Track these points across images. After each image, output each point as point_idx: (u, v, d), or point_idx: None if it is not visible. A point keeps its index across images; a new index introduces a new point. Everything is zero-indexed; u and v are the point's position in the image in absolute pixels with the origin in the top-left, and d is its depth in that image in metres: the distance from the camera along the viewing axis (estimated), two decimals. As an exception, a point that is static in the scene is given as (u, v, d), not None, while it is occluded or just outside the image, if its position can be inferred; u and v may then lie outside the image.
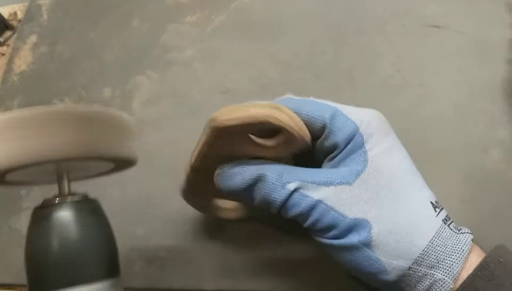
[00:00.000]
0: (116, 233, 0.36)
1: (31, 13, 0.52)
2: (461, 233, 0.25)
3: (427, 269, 0.24)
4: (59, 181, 0.23)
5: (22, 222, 0.39)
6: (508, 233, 0.31)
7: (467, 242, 0.24)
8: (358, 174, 0.24)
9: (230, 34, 0.45)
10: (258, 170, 0.25)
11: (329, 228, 0.24)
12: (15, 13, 0.54)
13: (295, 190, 0.24)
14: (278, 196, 0.24)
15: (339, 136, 0.25)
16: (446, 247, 0.24)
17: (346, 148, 0.25)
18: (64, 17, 0.51)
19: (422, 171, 0.34)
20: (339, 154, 0.25)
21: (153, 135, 0.41)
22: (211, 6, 0.47)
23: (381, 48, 0.41)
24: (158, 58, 0.45)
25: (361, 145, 0.25)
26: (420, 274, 0.24)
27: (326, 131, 0.25)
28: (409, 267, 0.24)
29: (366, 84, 0.39)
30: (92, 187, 0.39)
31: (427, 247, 0.24)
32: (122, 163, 0.24)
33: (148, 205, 0.37)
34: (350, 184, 0.24)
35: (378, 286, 0.25)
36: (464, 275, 0.23)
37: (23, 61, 0.49)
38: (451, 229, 0.24)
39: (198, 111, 0.41)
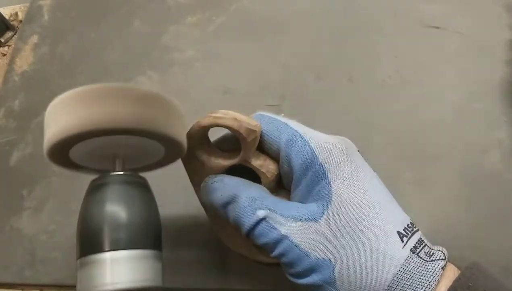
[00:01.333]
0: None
1: (32, 14, 0.53)
2: (431, 260, 0.24)
3: None
4: (115, 159, 0.25)
5: (23, 222, 0.39)
6: (507, 234, 0.31)
7: (436, 272, 0.23)
8: (325, 210, 0.24)
9: (230, 35, 0.45)
10: (234, 189, 0.25)
11: (293, 264, 0.24)
12: (16, 14, 0.54)
13: (264, 219, 0.24)
14: (247, 220, 0.25)
15: (294, 161, 0.25)
16: (413, 280, 0.23)
17: (306, 177, 0.25)
18: (65, 17, 0.51)
19: (422, 171, 0.35)
20: (300, 182, 0.25)
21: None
22: (212, 7, 0.48)
23: (381, 48, 0.41)
24: (159, 59, 0.45)
25: (323, 175, 0.24)
26: None
27: (281, 155, 0.26)
28: None
29: (365, 85, 0.39)
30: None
31: (392, 282, 0.23)
32: (173, 148, 0.25)
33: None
34: (317, 221, 0.24)
35: None
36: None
37: (24, 61, 0.49)
38: (420, 258, 0.23)
39: (198, 112, 0.41)
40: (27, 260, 0.37)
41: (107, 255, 0.22)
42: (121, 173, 0.25)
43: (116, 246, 0.22)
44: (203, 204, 0.29)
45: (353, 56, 0.41)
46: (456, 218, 0.33)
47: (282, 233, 0.24)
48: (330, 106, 0.39)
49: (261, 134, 0.26)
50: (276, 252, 0.24)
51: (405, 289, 0.23)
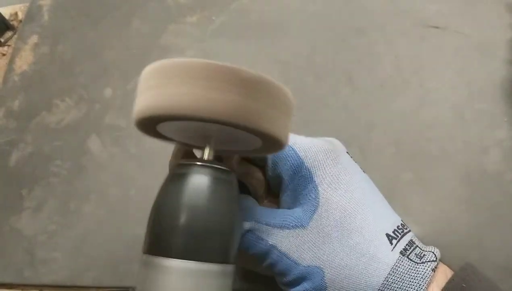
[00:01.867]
0: (115, 233, 0.37)
1: (32, 14, 0.53)
2: (422, 262, 0.23)
3: None
4: (207, 140, 0.22)
5: (23, 222, 0.39)
6: (507, 234, 0.31)
7: (426, 274, 0.23)
8: (311, 215, 0.24)
9: (230, 34, 0.45)
10: None
11: (283, 274, 0.24)
12: (16, 14, 0.54)
13: (250, 231, 0.24)
14: None
15: (281, 167, 0.25)
16: (403, 283, 0.23)
17: (293, 182, 0.25)
18: (65, 17, 0.51)
19: (421, 171, 0.35)
20: (287, 188, 0.25)
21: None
22: (211, 7, 0.47)
23: (381, 48, 0.41)
24: (158, 59, 0.45)
25: (310, 179, 0.24)
26: None
27: (268, 162, 0.25)
28: None
29: (365, 85, 0.39)
30: (93, 187, 0.39)
31: (383, 285, 0.23)
32: (271, 144, 0.21)
33: (148, 205, 0.37)
34: (304, 227, 0.24)
35: None
36: None
37: (24, 61, 0.49)
38: (411, 260, 0.23)
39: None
40: (27, 260, 0.37)
41: (181, 265, 0.19)
42: (213, 165, 0.21)
43: (193, 256, 0.19)
44: None
45: (353, 56, 0.41)
46: (456, 218, 0.32)
47: (270, 243, 0.24)
48: (330, 106, 0.39)
49: None
50: (265, 263, 0.24)
51: (402, 279, 0.23)
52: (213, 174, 0.20)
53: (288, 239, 0.24)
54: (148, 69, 0.20)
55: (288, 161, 0.25)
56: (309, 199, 0.24)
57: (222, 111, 0.18)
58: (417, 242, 0.25)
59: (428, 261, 0.24)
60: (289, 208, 0.25)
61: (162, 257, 0.19)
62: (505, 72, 0.37)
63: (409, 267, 0.23)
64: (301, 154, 0.25)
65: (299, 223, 0.24)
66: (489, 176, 0.33)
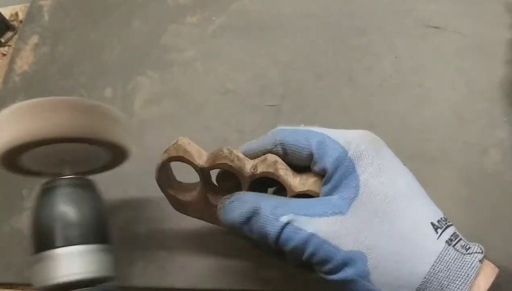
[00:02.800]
0: (117, 233, 0.37)
1: (32, 14, 0.53)
2: (468, 253, 0.23)
3: None
4: (61, 163, 0.28)
5: (24, 222, 0.39)
6: (507, 233, 0.31)
7: (474, 264, 0.22)
8: (350, 202, 0.24)
9: (230, 34, 0.45)
10: (254, 203, 0.25)
11: (325, 261, 0.24)
12: (16, 14, 0.54)
13: (288, 223, 0.24)
14: (272, 229, 0.24)
15: (326, 161, 0.25)
16: (450, 272, 0.22)
17: (337, 173, 0.25)
18: (65, 17, 0.51)
19: (421, 171, 0.35)
20: (330, 179, 0.25)
21: (154, 135, 0.41)
22: (211, 7, 0.48)
23: (380, 48, 0.41)
24: (158, 59, 0.45)
25: (352, 170, 0.24)
26: None
27: (314, 158, 0.25)
28: None
29: (365, 85, 0.39)
30: (93, 187, 0.39)
31: (429, 274, 0.22)
32: (117, 151, 0.29)
33: (148, 205, 0.37)
34: (344, 214, 0.23)
35: None
36: None
37: (24, 61, 0.49)
38: (457, 250, 0.23)
39: (198, 112, 0.41)
40: (27, 260, 0.37)
41: (60, 250, 0.25)
42: (69, 177, 0.27)
43: (67, 242, 0.25)
44: (222, 224, 0.28)
45: (353, 56, 0.41)
46: (455, 217, 0.32)
47: (309, 232, 0.23)
48: (330, 106, 0.39)
49: (288, 146, 0.26)
50: (306, 253, 0.24)
51: (441, 281, 0.22)
52: (71, 182, 0.27)
53: (328, 226, 0.23)
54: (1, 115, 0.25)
55: (333, 153, 0.25)
56: (349, 187, 0.24)
57: (59, 130, 0.24)
58: (460, 235, 0.24)
59: (475, 252, 0.23)
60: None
61: (47, 250, 0.25)
62: (505, 72, 0.37)
63: (455, 256, 0.22)
64: (345, 146, 0.25)
65: (338, 210, 0.24)
66: (489, 176, 0.33)
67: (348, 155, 0.24)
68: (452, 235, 0.23)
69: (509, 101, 0.36)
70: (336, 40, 0.42)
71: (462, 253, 0.23)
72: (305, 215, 0.24)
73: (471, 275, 0.22)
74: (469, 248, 0.23)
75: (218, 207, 0.27)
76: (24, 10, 0.54)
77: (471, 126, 0.36)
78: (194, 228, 0.35)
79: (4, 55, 0.51)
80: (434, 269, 0.22)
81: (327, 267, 0.24)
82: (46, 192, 0.27)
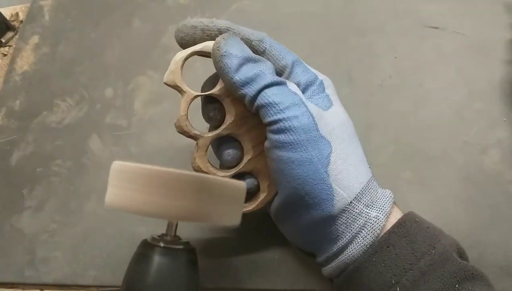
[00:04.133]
0: (116, 233, 0.37)
1: (33, 14, 0.53)
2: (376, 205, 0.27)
3: (364, 207, 0.26)
4: (169, 227, 0.26)
5: (24, 221, 0.39)
6: (506, 233, 0.31)
7: (390, 193, 0.27)
8: (329, 107, 0.28)
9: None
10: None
11: (298, 131, 0.25)
12: (16, 14, 0.54)
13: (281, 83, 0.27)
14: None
15: (300, 77, 0.28)
16: (377, 192, 0.27)
17: (310, 88, 0.28)
18: (66, 18, 0.51)
19: (421, 170, 0.35)
20: (304, 92, 0.28)
21: (154, 135, 0.41)
22: (212, 8, 0.48)
23: (380, 48, 0.41)
24: (159, 59, 0.45)
25: (323, 90, 0.28)
26: (357, 211, 0.26)
27: (287, 71, 0.28)
28: (350, 201, 0.25)
29: (365, 85, 0.39)
30: (94, 186, 0.39)
31: (366, 186, 0.26)
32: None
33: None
34: (324, 111, 0.27)
35: (319, 225, 0.26)
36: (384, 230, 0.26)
37: (25, 61, 0.49)
38: (376, 186, 0.28)
39: (198, 112, 0.41)
40: (28, 260, 0.37)
41: None
42: (174, 246, 0.25)
43: None
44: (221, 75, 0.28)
45: (353, 56, 0.41)
46: (455, 217, 0.33)
47: (303, 101, 0.26)
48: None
49: (271, 50, 0.29)
50: (289, 112, 0.25)
51: (373, 196, 0.26)
52: (173, 255, 0.25)
53: (314, 110, 0.26)
54: (119, 167, 0.23)
55: (308, 73, 0.29)
56: (323, 101, 0.28)
57: (176, 215, 0.22)
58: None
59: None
60: None
61: None
62: (504, 73, 0.37)
63: (377, 185, 0.28)
64: (316, 73, 0.29)
65: (321, 106, 0.27)
66: (488, 176, 0.34)
67: (319, 78, 0.29)
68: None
69: (508, 101, 0.36)
70: (336, 40, 0.42)
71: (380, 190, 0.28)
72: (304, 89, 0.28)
73: (392, 198, 0.27)
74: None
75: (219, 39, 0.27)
76: (24, 10, 0.54)
77: (470, 126, 0.36)
78: (194, 227, 0.35)
79: (4, 55, 0.51)
80: (368, 185, 0.26)
81: (296, 137, 0.25)
82: (146, 255, 0.25)
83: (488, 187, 0.33)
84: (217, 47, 0.27)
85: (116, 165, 0.23)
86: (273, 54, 0.29)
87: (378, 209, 0.26)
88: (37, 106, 0.45)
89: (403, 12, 0.42)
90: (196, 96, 0.29)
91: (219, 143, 0.30)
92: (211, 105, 0.30)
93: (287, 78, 0.28)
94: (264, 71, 0.26)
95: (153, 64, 0.45)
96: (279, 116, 0.25)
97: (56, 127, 0.44)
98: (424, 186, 0.34)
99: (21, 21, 0.53)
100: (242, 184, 0.25)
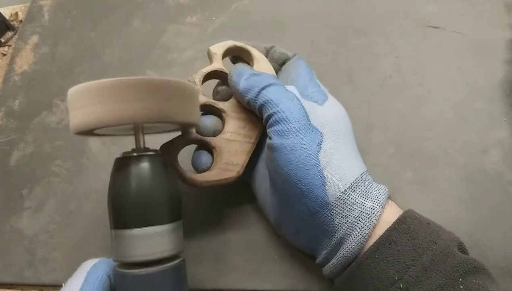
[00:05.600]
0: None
1: (32, 14, 0.53)
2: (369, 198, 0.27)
3: (358, 196, 0.26)
4: (136, 137, 0.27)
5: (23, 222, 0.39)
6: (507, 233, 0.31)
7: (385, 187, 0.28)
8: (324, 101, 0.29)
9: (230, 35, 0.45)
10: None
11: (289, 120, 0.27)
12: (16, 14, 0.54)
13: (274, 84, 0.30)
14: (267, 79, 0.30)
15: (294, 75, 0.32)
16: (372, 185, 0.27)
17: (310, 84, 0.31)
18: (65, 17, 0.51)
19: (422, 170, 0.35)
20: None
21: (154, 135, 0.41)
22: (212, 7, 0.48)
23: (380, 48, 0.41)
24: (158, 59, 0.45)
25: (319, 85, 0.31)
26: (352, 200, 0.26)
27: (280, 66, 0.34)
28: (344, 190, 0.26)
29: (365, 84, 0.39)
30: (94, 186, 0.39)
31: (360, 176, 0.27)
32: (186, 125, 0.29)
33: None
34: (320, 105, 0.29)
35: (315, 216, 0.27)
36: (381, 227, 0.26)
37: (24, 61, 0.49)
38: (371, 182, 0.28)
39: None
40: (27, 260, 0.37)
41: (138, 231, 0.25)
42: (144, 152, 0.26)
43: (145, 223, 0.25)
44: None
45: (353, 56, 0.41)
46: (455, 217, 0.33)
47: (297, 97, 0.28)
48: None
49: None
50: (283, 105, 0.28)
51: (367, 187, 0.27)
52: (147, 160, 0.26)
53: (307, 103, 0.29)
54: (75, 90, 0.25)
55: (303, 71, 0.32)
56: (319, 94, 0.30)
57: (139, 116, 0.23)
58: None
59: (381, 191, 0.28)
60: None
61: (125, 229, 0.25)
62: (505, 72, 0.37)
63: (371, 178, 0.28)
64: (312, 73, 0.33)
65: (315, 101, 0.29)
66: (489, 176, 0.34)
67: (314, 77, 0.32)
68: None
69: (509, 101, 0.36)
70: (336, 40, 0.42)
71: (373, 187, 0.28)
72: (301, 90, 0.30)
73: (387, 190, 0.27)
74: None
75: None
76: (24, 10, 0.54)
77: (471, 126, 0.36)
78: (194, 227, 0.35)
79: (4, 55, 0.51)
80: (362, 176, 0.27)
81: (290, 125, 0.27)
82: (122, 168, 0.26)
83: (488, 187, 0.33)
84: (230, 72, 0.32)
85: (72, 89, 0.25)
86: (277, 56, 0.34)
87: (373, 200, 0.26)
88: (36, 106, 0.45)
89: (403, 12, 0.42)
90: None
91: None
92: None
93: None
94: (263, 77, 0.29)
95: (153, 64, 0.45)
96: (274, 109, 0.28)
97: (56, 127, 0.44)
98: (424, 186, 0.34)
99: (21, 21, 0.53)
100: (194, 86, 0.28)
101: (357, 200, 0.26)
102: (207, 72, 0.34)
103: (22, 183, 0.41)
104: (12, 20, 0.53)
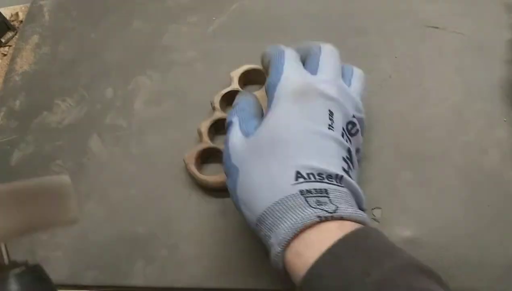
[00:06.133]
0: (116, 233, 0.37)
1: (33, 14, 0.53)
2: (315, 207, 0.24)
3: (266, 230, 0.25)
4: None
5: (24, 221, 0.39)
6: (506, 233, 0.31)
7: (308, 216, 0.23)
8: (256, 128, 0.28)
9: (230, 35, 0.45)
10: (238, 100, 0.32)
11: (225, 158, 0.29)
12: (16, 14, 0.54)
13: (230, 123, 0.30)
14: (228, 118, 0.31)
15: (268, 81, 0.30)
16: (285, 214, 0.24)
17: (269, 96, 0.29)
18: (66, 18, 0.51)
19: (421, 170, 0.35)
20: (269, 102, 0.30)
21: (154, 135, 0.41)
22: (212, 7, 0.48)
23: (380, 48, 0.41)
24: (159, 59, 0.45)
25: (272, 103, 0.29)
26: (263, 233, 0.25)
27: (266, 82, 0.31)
28: (256, 223, 0.26)
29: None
30: (94, 186, 0.39)
31: (269, 209, 0.25)
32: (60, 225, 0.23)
33: (148, 205, 0.37)
34: (247, 137, 0.28)
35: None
36: (310, 256, 0.23)
37: (25, 61, 0.49)
38: (307, 201, 0.24)
39: (199, 112, 0.41)
40: (28, 260, 0.37)
41: None
42: (11, 271, 0.22)
43: None
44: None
45: (353, 56, 0.41)
46: (455, 217, 0.33)
47: (228, 137, 0.29)
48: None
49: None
50: (225, 147, 0.29)
51: (275, 220, 0.24)
52: (16, 279, 0.21)
53: (238, 140, 0.29)
54: None
55: (272, 80, 0.30)
56: (264, 118, 0.29)
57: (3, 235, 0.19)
58: (334, 197, 0.25)
59: (322, 210, 0.24)
60: None
61: None
62: (504, 73, 0.37)
63: (298, 204, 0.24)
64: (282, 80, 0.29)
65: (246, 134, 0.29)
66: (488, 176, 0.34)
67: (277, 89, 0.29)
68: (317, 191, 0.25)
69: (508, 102, 0.36)
70: (336, 40, 0.42)
71: (310, 205, 0.24)
72: (242, 125, 0.30)
73: (299, 224, 0.23)
74: (325, 205, 0.24)
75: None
76: (24, 10, 0.54)
77: (470, 126, 0.36)
78: (194, 227, 0.35)
79: (4, 55, 0.51)
80: (274, 207, 0.25)
81: (226, 165, 0.29)
82: None
83: (488, 187, 0.33)
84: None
85: None
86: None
87: (275, 236, 0.24)
88: (37, 106, 0.45)
89: (403, 12, 0.42)
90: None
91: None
92: None
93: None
94: (229, 114, 0.31)
95: (153, 65, 0.45)
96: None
97: (56, 127, 0.44)
98: (424, 186, 0.34)
99: (21, 21, 0.53)
100: (63, 178, 0.22)
101: (265, 234, 0.25)
102: (225, 93, 0.39)
103: (23, 183, 0.41)
104: (13, 20, 0.53)
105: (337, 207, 0.24)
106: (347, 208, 0.25)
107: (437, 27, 0.41)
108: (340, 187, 0.26)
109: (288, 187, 0.25)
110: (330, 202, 0.25)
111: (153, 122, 0.42)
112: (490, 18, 0.40)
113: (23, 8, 0.55)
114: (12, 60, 0.49)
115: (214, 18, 0.47)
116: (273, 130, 0.27)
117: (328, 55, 0.31)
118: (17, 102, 0.46)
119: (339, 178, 0.26)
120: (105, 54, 0.47)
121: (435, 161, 0.35)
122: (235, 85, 0.39)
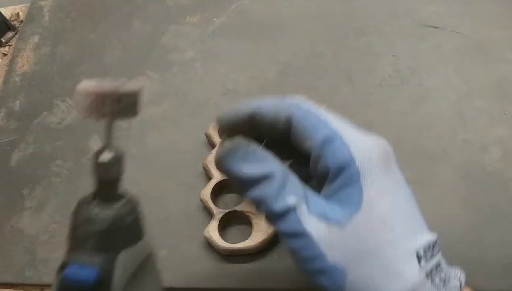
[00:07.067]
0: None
1: (33, 14, 0.53)
2: (444, 287, 0.23)
3: None
4: None
5: (24, 222, 0.39)
6: (507, 231, 0.31)
7: None
8: (351, 216, 0.23)
9: (230, 35, 0.45)
10: (270, 167, 0.24)
11: (307, 261, 0.23)
12: (17, 14, 0.54)
13: (292, 209, 0.23)
14: (276, 205, 0.23)
15: (330, 162, 0.23)
16: None
17: (339, 178, 0.23)
18: (66, 18, 0.51)
19: (421, 169, 0.35)
20: (332, 182, 0.24)
21: (154, 135, 0.41)
22: (212, 8, 0.48)
23: (380, 48, 0.41)
24: (159, 59, 0.46)
25: (356, 180, 0.23)
26: None
27: (314, 154, 0.24)
28: None
29: (364, 84, 0.39)
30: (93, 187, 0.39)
31: None
32: None
33: (148, 204, 0.37)
34: (342, 226, 0.23)
35: None
36: None
37: (25, 61, 0.49)
38: (434, 284, 0.22)
39: (198, 112, 0.41)
40: (28, 260, 0.37)
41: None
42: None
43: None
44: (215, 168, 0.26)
45: (352, 56, 0.41)
46: (455, 215, 0.33)
47: (307, 230, 0.23)
48: (329, 106, 0.39)
49: (296, 127, 0.25)
50: (292, 244, 0.23)
51: None
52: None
53: (325, 232, 0.23)
54: None
55: (339, 156, 0.23)
56: (351, 200, 0.23)
57: None
58: (443, 264, 0.24)
59: (452, 287, 0.23)
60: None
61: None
62: (503, 71, 0.37)
63: (431, 290, 0.22)
64: (354, 153, 0.23)
65: (337, 220, 0.23)
66: (489, 174, 0.34)
67: (356, 163, 0.23)
68: (435, 265, 0.23)
69: (508, 100, 0.36)
70: (336, 41, 0.42)
71: (437, 288, 0.22)
72: (309, 207, 0.23)
73: None
74: (448, 280, 0.23)
75: (218, 149, 0.25)
76: (25, 10, 0.54)
77: (470, 124, 0.36)
78: (194, 227, 0.35)
79: (4, 55, 0.51)
80: None
81: (307, 266, 0.23)
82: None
83: (488, 185, 0.33)
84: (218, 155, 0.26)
85: None
86: (298, 133, 0.25)
87: None
88: (37, 106, 0.45)
89: (402, 12, 0.42)
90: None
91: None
92: None
93: (316, 160, 0.24)
94: (274, 195, 0.24)
95: (153, 65, 0.45)
96: (289, 245, 0.24)
97: (56, 127, 0.44)
98: (424, 184, 0.34)
99: (21, 21, 0.53)
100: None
101: None
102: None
103: (23, 183, 0.41)
104: (13, 20, 0.53)
105: (458, 277, 0.24)
106: (457, 271, 0.24)
107: (436, 27, 0.41)
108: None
109: (416, 275, 0.22)
110: (446, 272, 0.23)
111: (152, 123, 0.42)
112: (489, 18, 0.40)
113: (23, 8, 0.55)
114: (12, 60, 0.49)
115: (213, 19, 0.47)
116: (379, 216, 0.23)
117: (325, 113, 0.26)
118: (17, 103, 0.46)
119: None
120: (105, 54, 0.47)
121: (435, 159, 0.35)
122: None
